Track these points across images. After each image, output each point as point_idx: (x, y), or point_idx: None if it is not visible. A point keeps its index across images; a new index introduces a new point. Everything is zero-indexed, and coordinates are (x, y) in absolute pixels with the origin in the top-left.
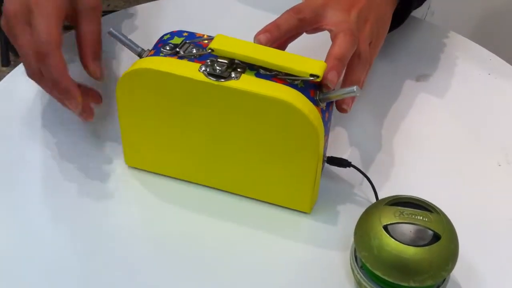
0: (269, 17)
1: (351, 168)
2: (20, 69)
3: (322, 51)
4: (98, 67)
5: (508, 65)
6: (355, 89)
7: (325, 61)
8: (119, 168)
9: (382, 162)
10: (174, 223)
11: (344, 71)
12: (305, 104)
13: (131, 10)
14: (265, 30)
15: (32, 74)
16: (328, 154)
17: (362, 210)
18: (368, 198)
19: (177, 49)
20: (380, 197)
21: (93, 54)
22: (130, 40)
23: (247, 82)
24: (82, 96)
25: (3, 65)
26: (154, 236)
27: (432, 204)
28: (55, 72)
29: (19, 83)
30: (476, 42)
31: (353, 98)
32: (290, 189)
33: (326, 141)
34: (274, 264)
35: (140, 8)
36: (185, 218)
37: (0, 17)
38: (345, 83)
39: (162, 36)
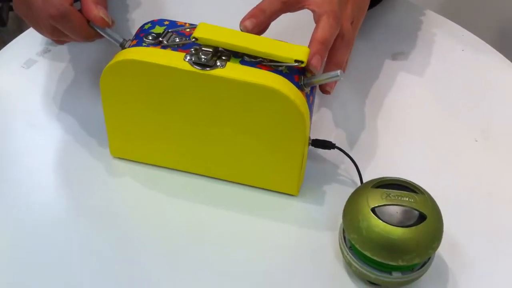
0: (243, 2)
1: (335, 149)
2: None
3: (303, 32)
4: (102, 11)
5: (481, 40)
6: (339, 73)
7: (309, 45)
8: (104, 159)
9: (364, 142)
10: (161, 210)
11: (327, 54)
12: (290, 89)
13: None
14: (250, 15)
15: (51, 35)
16: (312, 137)
17: (348, 190)
18: (352, 178)
19: (160, 39)
20: (363, 178)
21: None
22: (111, 31)
23: (232, 70)
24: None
25: None
26: (142, 224)
27: (417, 185)
28: (76, 28)
29: (2, 78)
30: (448, 18)
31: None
32: (278, 173)
33: (310, 124)
34: (264, 246)
35: None
36: (173, 205)
37: None
38: (329, 64)
39: (143, 26)
